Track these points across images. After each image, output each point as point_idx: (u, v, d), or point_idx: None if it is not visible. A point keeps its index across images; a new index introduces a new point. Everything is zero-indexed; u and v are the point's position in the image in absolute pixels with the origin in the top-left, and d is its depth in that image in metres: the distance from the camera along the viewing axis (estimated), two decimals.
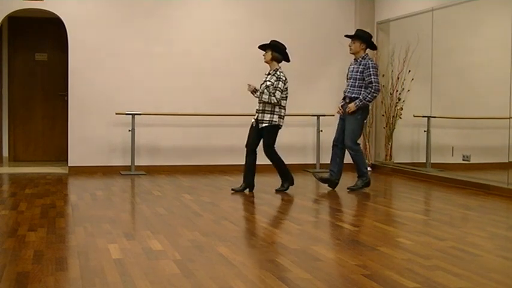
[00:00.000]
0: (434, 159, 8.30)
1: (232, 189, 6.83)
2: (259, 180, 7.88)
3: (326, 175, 7.16)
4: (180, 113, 8.74)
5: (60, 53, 9.51)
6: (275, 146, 6.78)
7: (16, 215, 5.26)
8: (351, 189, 6.94)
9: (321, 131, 9.09)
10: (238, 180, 7.86)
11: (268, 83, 6.62)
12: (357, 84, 6.90)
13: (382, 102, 9.23)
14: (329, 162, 7.20)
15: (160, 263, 3.69)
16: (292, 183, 6.85)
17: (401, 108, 8.85)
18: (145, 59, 8.73)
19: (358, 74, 6.89)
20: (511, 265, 3.82)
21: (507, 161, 6.95)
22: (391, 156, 9.12)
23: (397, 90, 8.89)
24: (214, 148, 9.02)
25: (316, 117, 9.03)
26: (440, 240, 4.38)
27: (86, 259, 3.76)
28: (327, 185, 7.10)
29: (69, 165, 8.52)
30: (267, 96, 6.54)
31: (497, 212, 5.88)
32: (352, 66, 7.05)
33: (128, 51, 8.67)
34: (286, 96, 6.68)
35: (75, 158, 8.53)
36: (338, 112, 7.15)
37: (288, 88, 6.71)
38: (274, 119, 6.63)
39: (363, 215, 5.57)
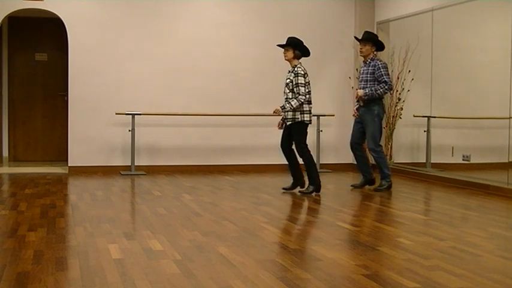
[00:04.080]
0: (434, 159, 8.30)
1: (283, 188, 6.84)
2: (259, 180, 7.89)
3: (360, 180, 7.24)
4: (180, 113, 8.74)
5: (60, 53, 9.52)
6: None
7: (16, 215, 5.26)
8: (377, 190, 6.95)
9: (321, 131, 9.09)
10: (238, 180, 7.87)
11: (287, 80, 6.64)
12: (368, 86, 6.96)
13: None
14: (356, 167, 7.41)
15: (160, 263, 3.69)
16: (318, 189, 6.71)
17: (401, 108, 8.85)
18: (145, 59, 8.73)
19: (369, 75, 6.95)
20: (511, 265, 3.82)
21: (507, 161, 6.95)
22: (391, 156, 9.11)
23: (397, 90, 8.89)
24: (214, 148, 9.02)
25: (316, 117, 9.03)
26: (440, 240, 4.38)
27: (86, 259, 3.76)
28: (366, 186, 7.17)
29: (69, 165, 8.52)
30: (293, 103, 6.52)
31: (497, 212, 5.88)
32: (362, 69, 7.11)
33: (128, 51, 8.67)
34: (309, 91, 6.61)
35: (75, 158, 8.53)
36: (354, 115, 7.21)
37: (310, 82, 6.70)
38: (296, 116, 6.58)
39: (363, 215, 5.57)
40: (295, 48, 6.63)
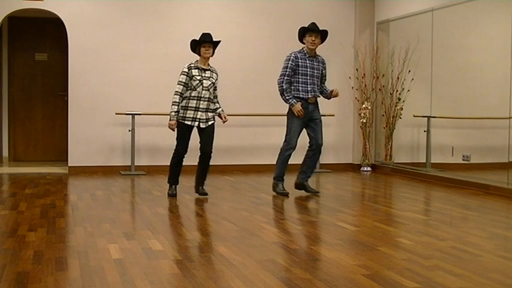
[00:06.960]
0: (434, 159, 8.30)
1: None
2: (259, 180, 7.89)
3: (299, 181, 6.73)
4: None
5: (60, 53, 9.52)
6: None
7: (16, 215, 5.26)
8: (315, 193, 6.67)
9: None
10: (238, 180, 7.88)
11: (213, 79, 6.56)
12: (319, 82, 6.62)
13: (382, 102, 9.23)
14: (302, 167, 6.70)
15: (160, 263, 3.69)
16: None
17: (401, 108, 8.85)
18: (145, 59, 8.73)
19: (320, 72, 6.58)
20: (511, 265, 3.82)
21: (507, 161, 6.95)
22: (391, 156, 9.11)
23: (397, 90, 8.89)
24: (214, 148, 9.00)
25: None
26: (440, 240, 4.38)
27: (86, 259, 3.76)
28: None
29: (69, 165, 8.52)
30: (218, 108, 6.67)
31: (497, 212, 5.88)
32: (310, 63, 6.50)
33: (128, 51, 8.67)
34: None
35: (75, 158, 8.53)
36: (301, 116, 6.46)
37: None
38: (215, 116, 6.62)
39: (363, 215, 5.57)
40: (215, 46, 6.62)
